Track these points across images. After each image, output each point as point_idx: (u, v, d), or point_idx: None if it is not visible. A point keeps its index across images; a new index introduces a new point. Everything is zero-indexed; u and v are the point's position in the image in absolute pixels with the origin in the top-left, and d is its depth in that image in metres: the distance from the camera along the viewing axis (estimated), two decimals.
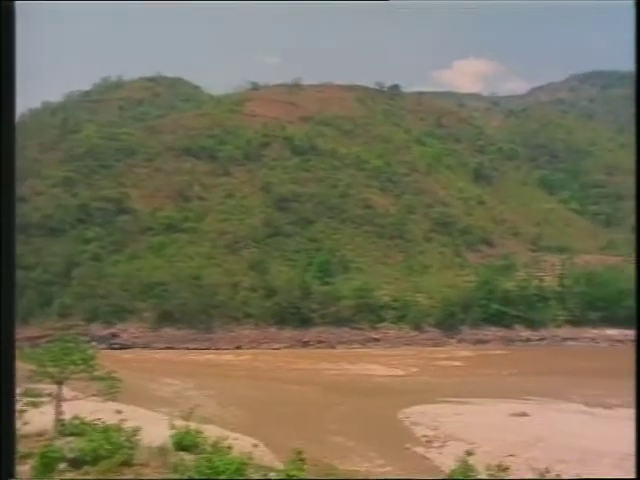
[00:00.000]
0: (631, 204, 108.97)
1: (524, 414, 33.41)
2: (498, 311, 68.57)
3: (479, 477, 15.72)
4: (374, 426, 32.00)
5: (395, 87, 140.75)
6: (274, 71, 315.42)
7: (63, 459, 15.78)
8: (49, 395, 21.42)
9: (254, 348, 62.63)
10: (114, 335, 63.74)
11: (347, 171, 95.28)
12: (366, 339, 65.88)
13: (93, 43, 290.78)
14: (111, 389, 22.20)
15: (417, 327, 67.78)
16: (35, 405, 19.42)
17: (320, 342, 64.63)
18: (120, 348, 60.47)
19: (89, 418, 20.01)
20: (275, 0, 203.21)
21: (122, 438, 17.18)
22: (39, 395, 20.78)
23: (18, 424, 13.29)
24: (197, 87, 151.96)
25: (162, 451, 17.38)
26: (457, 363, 55.42)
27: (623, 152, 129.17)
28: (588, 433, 29.33)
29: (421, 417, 33.18)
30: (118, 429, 17.81)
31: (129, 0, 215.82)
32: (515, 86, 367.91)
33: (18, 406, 14.38)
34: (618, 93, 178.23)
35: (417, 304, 68.90)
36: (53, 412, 20.80)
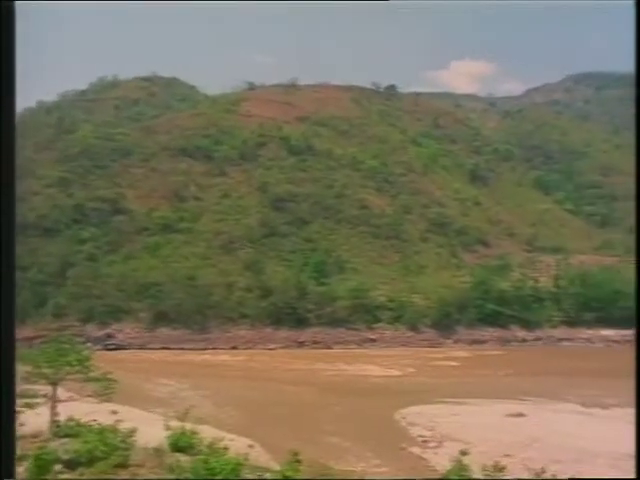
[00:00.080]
0: (625, 205, 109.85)
1: (520, 414, 33.48)
2: (494, 311, 68.69)
3: (475, 477, 15.73)
4: (370, 427, 31.99)
5: (391, 87, 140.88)
6: (270, 71, 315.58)
7: (58, 461, 15.69)
8: (44, 396, 21.32)
9: (250, 348, 62.53)
10: (109, 336, 63.49)
11: (343, 171, 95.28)
12: (362, 339, 65.86)
13: (89, 43, 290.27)
14: (106, 390, 22.13)
15: (413, 327, 67.80)
16: (30, 406, 19.31)
17: (316, 342, 64.58)
18: (115, 349, 60.28)
19: (84, 419, 19.94)
20: (272, 0, 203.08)
21: (118, 439, 17.12)
22: (34, 396, 20.68)
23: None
24: (193, 87, 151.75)
25: (158, 452, 17.32)
26: (453, 363, 55.48)
27: (618, 153, 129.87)
28: (584, 433, 29.41)
29: (417, 417, 33.19)
30: (114, 430, 17.75)
31: (125, 0, 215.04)
32: (511, 87, 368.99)
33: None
34: (613, 94, 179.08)
35: (413, 304, 68.93)
36: (48, 413, 20.69)
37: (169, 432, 18.79)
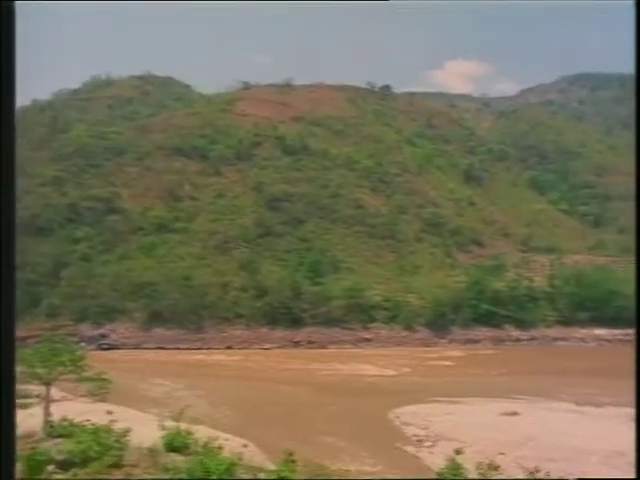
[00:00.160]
0: (619, 205, 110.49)
1: (514, 413, 33.58)
2: (488, 311, 68.87)
3: (471, 477, 15.78)
4: (365, 426, 32.01)
5: (386, 87, 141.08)
6: (266, 70, 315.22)
7: (51, 461, 15.62)
8: (37, 396, 21.22)
9: (245, 348, 62.45)
10: (103, 335, 63.29)
11: (338, 171, 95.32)
12: (357, 339, 65.91)
13: (83, 41, 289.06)
14: (100, 390, 22.06)
15: (408, 327, 67.90)
16: (23, 406, 19.21)
17: (311, 342, 64.57)
18: (109, 348, 60.08)
19: (78, 419, 19.85)
20: (270, 0, 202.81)
21: (112, 439, 17.07)
22: (28, 396, 20.58)
23: None
24: (188, 86, 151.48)
25: (152, 452, 17.27)
26: (448, 363, 55.59)
27: (612, 153, 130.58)
28: (578, 432, 29.53)
29: (412, 417, 33.24)
30: (108, 430, 17.69)
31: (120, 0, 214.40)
32: (505, 87, 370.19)
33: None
34: (607, 95, 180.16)
35: (408, 304, 69.03)
36: (42, 413, 20.60)
37: (164, 432, 18.75)
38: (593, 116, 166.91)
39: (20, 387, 20.56)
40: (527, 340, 68.34)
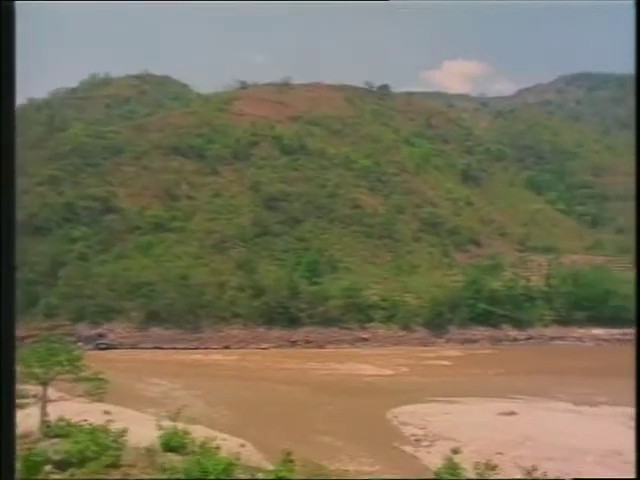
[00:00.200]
0: (617, 205, 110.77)
1: (512, 413, 33.63)
2: (486, 311, 68.93)
3: (469, 476, 15.79)
4: (363, 426, 32.02)
5: (384, 87, 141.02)
6: (263, 70, 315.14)
7: (48, 461, 15.57)
8: (34, 396, 21.16)
9: (242, 348, 62.37)
10: (101, 335, 63.15)
11: (336, 171, 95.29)
12: (355, 339, 65.89)
13: (80, 40, 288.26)
14: (98, 390, 22.01)
15: (406, 327, 67.92)
16: (20, 406, 19.16)
17: (308, 342, 64.54)
18: (107, 348, 59.96)
19: (75, 419, 19.80)
20: (268, 0, 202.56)
21: (109, 439, 17.02)
22: (24, 396, 20.52)
23: None
24: (185, 85, 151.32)
25: (150, 452, 17.23)
26: (445, 362, 55.63)
27: (609, 153, 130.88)
28: (575, 431, 29.59)
29: (410, 417, 33.25)
30: (105, 430, 17.65)
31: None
32: (503, 87, 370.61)
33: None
34: (604, 95, 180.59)
35: (406, 304, 69.05)
36: (39, 413, 20.54)
37: (161, 432, 18.72)
38: (590, 116, 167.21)
39: (17, 387, 20.50)
40: (524, 340, 68.42)
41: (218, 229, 78.58)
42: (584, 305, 70.68)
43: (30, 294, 62.06)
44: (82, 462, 15.69)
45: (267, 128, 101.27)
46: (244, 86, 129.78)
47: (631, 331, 67.07)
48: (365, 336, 66.27)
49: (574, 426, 30.87)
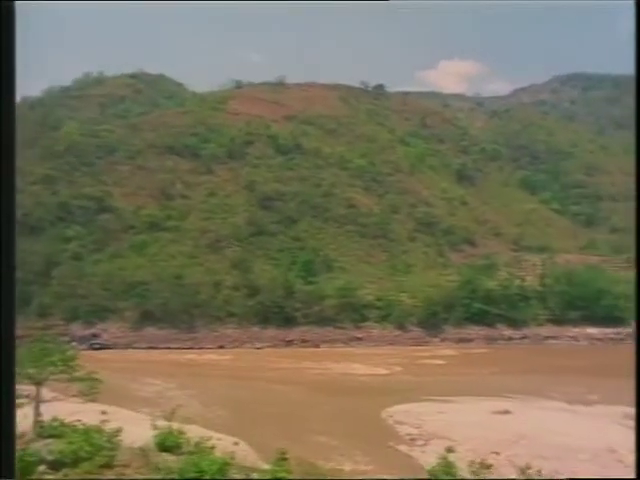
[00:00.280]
0: (610, 205, 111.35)
1: (506, 412, 33.73)
2: (480, 310, 69.11)
3: (463, 475, 15.82)
4: (358, 425, 32.04)
5: (379, 87, 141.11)
6: (259, 69, 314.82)
7: (42, 462, 15.49)
8: (27, 397, 21.04)
9: (237, 347, 62.30)
10: (95, 335, 62.92)
11: (331, 170, 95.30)
12: (350, 338, 65.93)
13: (75, 38, 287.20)
14: (92, 390, 21.91)
15: (400, 326, 68.01)
16: None
17: (303, 341, 64.53)
18: (101, 348, 59.75)
19: (69, 419, 19.71)
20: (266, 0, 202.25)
21: (103, 439, 16.95)
22: (18, 397, 20.39)
23: None
24: (180, 84, 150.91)
25: (144, 452, 17.17)
26: (440, 362, 55.72)
27: (603, 153, 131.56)
28: (569, 430, 29.71)
29: (404, 416, 33.29)
30: (99, 430, 17.57)
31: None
32: (498, 87, 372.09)
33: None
34: (599, 95, 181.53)
35: (400, 303, 69.13)
36: (32, 414, 20.43)
37: (156, 432, 18.65)
38: (585, 116, 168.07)
39: None
40: (519, 339, 68.64)
41: (213, 228, 78.46)
42: (578, 304, 71.00)
43: (24, 294, 61.74)
44: (76, 462, 15.61)
45: (262, 127, 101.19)
46: (239, 85, 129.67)
47: (624, 330, 67.59)
48: (360, 335, 66.32)
49: (568, 425, 31.00)
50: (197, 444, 17.53)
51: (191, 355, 58.08)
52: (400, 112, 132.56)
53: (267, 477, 14.93)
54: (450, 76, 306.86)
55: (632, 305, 64.80)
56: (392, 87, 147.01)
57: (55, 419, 19.87)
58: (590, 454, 25.94)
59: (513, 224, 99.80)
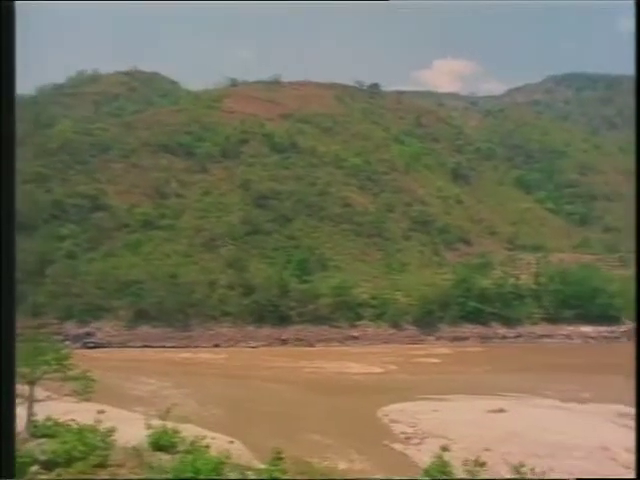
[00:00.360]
0: (604, 204, 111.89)
1: (501, 410, 33.84)
2: (475, 309, 69.28)
3: (457, 473, 15.83)
4: (353, 424, 32.07)
5: (375, 86, 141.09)
6: (253, 67, 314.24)
7: (35, 462, 15.39)
8: (21, 396, 20.90)
9: (232, 346, 62.18)
10: (89, 334, 62.60)
11: (326, 169, 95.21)
12: (345, 337, 65.92)
13: (69, 35, 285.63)
14: (86, 389, 21.78)
15: (395, 325, 68.08)
16: None
17: (298, 340, 64.48)
18: (95, 347, 59.49)
19: (63, 419, 19.61)
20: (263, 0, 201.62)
21: (97, 439, 16.86)
22: None
23: None
24: (174, 82, 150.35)
25: (138, 451, 17.10)
26: (435, 360, 55.83)
27: (597, 153, 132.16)
28: (563, 428, 29.83)
29: (399, 414, 33.34)
30: (93, 430, 17.47)
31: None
32: (493, 87, 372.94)
33: None
34: (593, 95, 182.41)
35: (395, 302, 69.19)
36: (25, 413, 20.29)
37: (150, 431, 18.58)
38: (579, 116, 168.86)
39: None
40: (513, 337, 68.87)
41: (208, 227, 78.24)
42: (572, 303, 71.31)
43: (17, 292, 61.30)
44: (69, 462, 15.52)
45: (257, 126, 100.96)
46: (234, 84, 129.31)
47: (618, 329, 68.00)
48: (355, 334, 66.34)
49: (562, 423, 31.13)
50: (192, 443, 17.47)
51: (186, 354, 57.93)
52: (395, 111, 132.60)
53: (262, 476, 14.88)
54: (445, 75, 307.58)
55: (626, 303, 65.18)
56: (387, 86, 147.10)
57: (49, 418, 19.76)
58: (584, 452, 26.05)
59: (508, 223, 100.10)
